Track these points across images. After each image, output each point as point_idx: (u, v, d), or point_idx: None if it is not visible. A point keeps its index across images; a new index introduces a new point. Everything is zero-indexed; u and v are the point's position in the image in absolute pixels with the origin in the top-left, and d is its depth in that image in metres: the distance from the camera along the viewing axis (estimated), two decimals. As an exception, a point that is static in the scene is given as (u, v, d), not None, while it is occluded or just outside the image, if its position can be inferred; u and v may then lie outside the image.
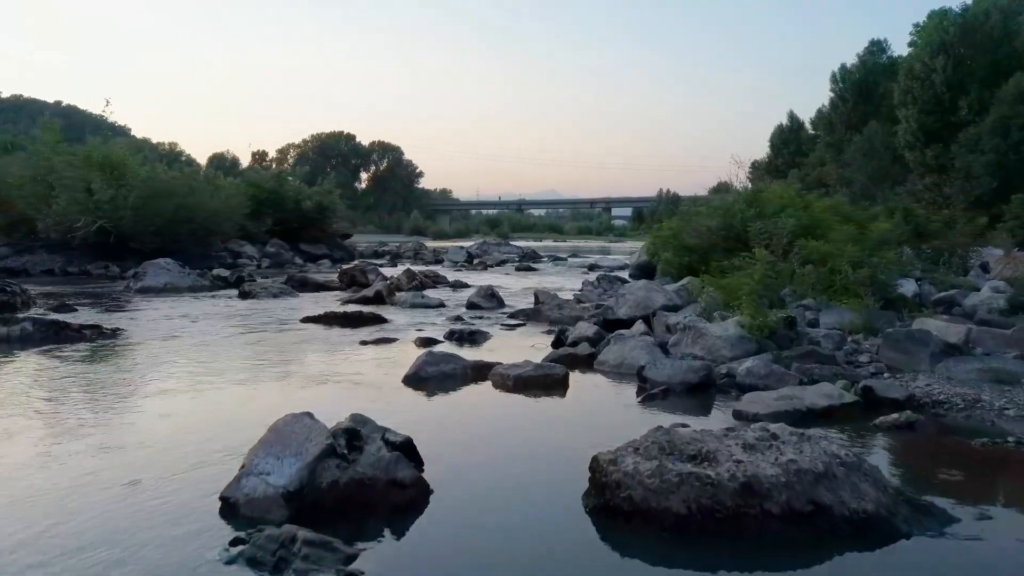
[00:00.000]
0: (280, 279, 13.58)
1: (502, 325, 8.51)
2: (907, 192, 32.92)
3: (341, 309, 9.24)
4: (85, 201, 15.44)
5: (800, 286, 8.07)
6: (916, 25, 48.41)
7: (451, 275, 16.69)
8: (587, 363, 6.16)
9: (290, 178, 31.96)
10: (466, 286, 13.67)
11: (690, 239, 11.82)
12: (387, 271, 17.65)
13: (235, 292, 11.86)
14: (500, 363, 5.68)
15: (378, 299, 10.72)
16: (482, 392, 5.23)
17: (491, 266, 20.38)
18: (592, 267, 19.63)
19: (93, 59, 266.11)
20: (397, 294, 11.14)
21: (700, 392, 5.18)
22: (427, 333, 7.78)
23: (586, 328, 6.96)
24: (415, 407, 4.70)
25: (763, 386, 5.04)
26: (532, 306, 10.30)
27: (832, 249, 8.92)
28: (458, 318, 8.93)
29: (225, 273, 14.74)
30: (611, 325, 8.23)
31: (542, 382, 5.33)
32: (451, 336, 7.44)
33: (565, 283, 15.05)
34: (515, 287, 13.95)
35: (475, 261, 21.61)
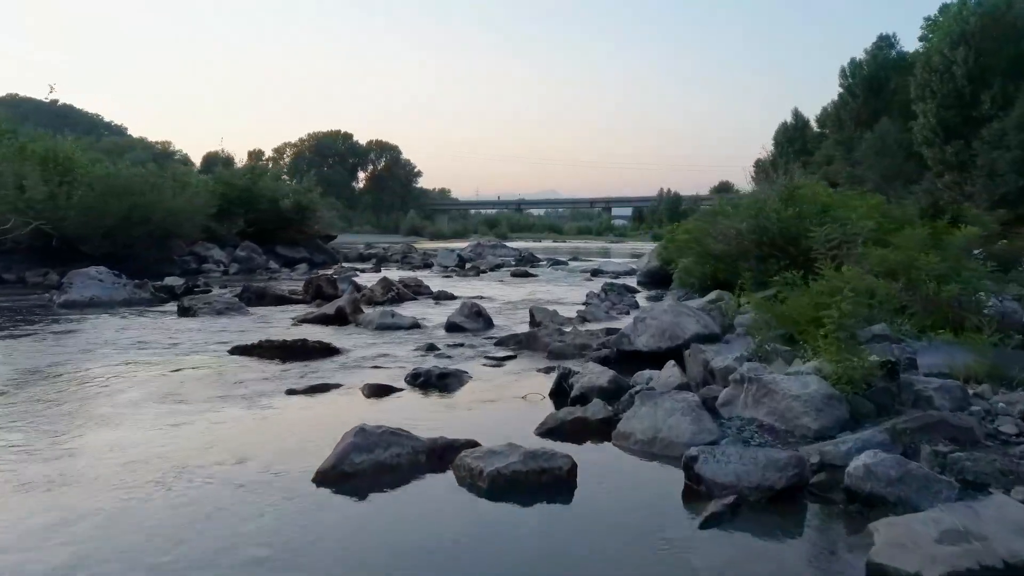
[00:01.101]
0: (236, 290, 11.59)
1: (486, 358, 6.52)
2: (923, 191, 30.99)
3: (283, 335, 7.25)
4: (15, 199, 13.43)
5: (879, 311, 6.08)
6: (927, 19, 46.65)
7: (437, 283, 14.69)
8: (602, 433, 4.17)
9: (284, 175, 30.01)
10: (452, 298, 11.68)
11: (716, 244, 9.83)
12: (368, 278, 15.68)
13: (176, 307, 9.86)
14: (472, 443, 3.70)
15: (340, 318, 8.73)
16: (438, 504, 3.23)
17: (484, 271, 18.38)
18: (595, 273, 17.64)
19: (91, 59, 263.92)
20: (364, 311, 9.15)
21: (788, 503, 3.18)
22: (385, 372, 5.79)
23: (597, 374, 4.96)
24: (302, 561, 2.69)
25: (895, 498, 3.05)
26: (526, 328, 8.31)
27: (905, 258, 6.95)
28: (431, 347, 6.94)
29: (179, 281, 12.74)
30: (628, 359, 6.28)
31: (534, 481, 3.34)
32: (415, 380, 5.44)
33: (566, 293, 13.07)
34: (509, 298, 11.97)
35: (467, 265, 19.60)
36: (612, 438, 4.08)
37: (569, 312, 9.62)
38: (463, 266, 19.13)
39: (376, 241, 50.52)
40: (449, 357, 6.54)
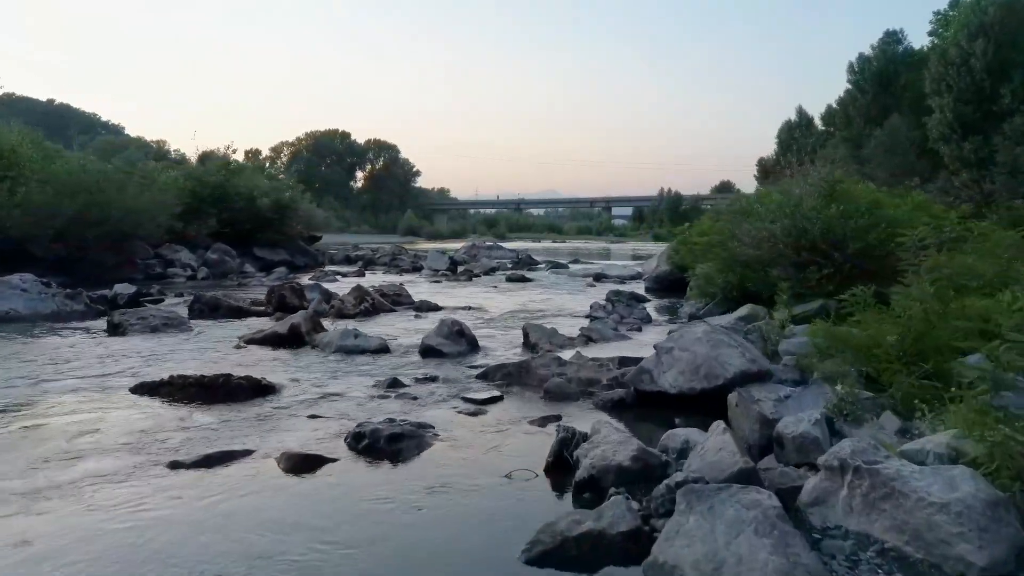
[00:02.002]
0: (186, 300, 10.01)
1: (463, 400, 4.95)
2: (938, 190, 29.43)
3: (203, 369, 5.69)
4: (-59, 198, 11.91)
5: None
6: (937, 13, 45.19)
7: (423, 289, 13.14)
8: (628, 557, 2.61)
9: (281, 174, 28.20)
10: (436, 309, 10.12)
11: (743, 248, 8.27)
12: (348, 283, 14.13)
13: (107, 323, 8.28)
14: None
15: (294, 338, 7.17)
16: None
17: (478, 275, 16.79)
18: (598, 277, 16.05)
19: (91, 59, 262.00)
20: (328, 328, 7.60)
21: None
22: (322, 428, 4.23)
23: (615, 446, 3.38)
24: None
25: None
26: (518, 351, 6.77)
27: (1002, 267, 5.38)
28: (394, 382, 5.36)
29: (129, 289, 11.14)
30: (649, 402, 4.77)
31: None
32: (356, 443, 3.86)
33: (567, 302, 11.49)
34: (501, 309, 10.39)
35: (459, 269, 17.99)
36: (643, 570, 2.51)
37: (570, 328, 8.08)
38: (455, 270, 17.53)
39: (373, 242, 48.79)
40: (415, 398, 4.98)
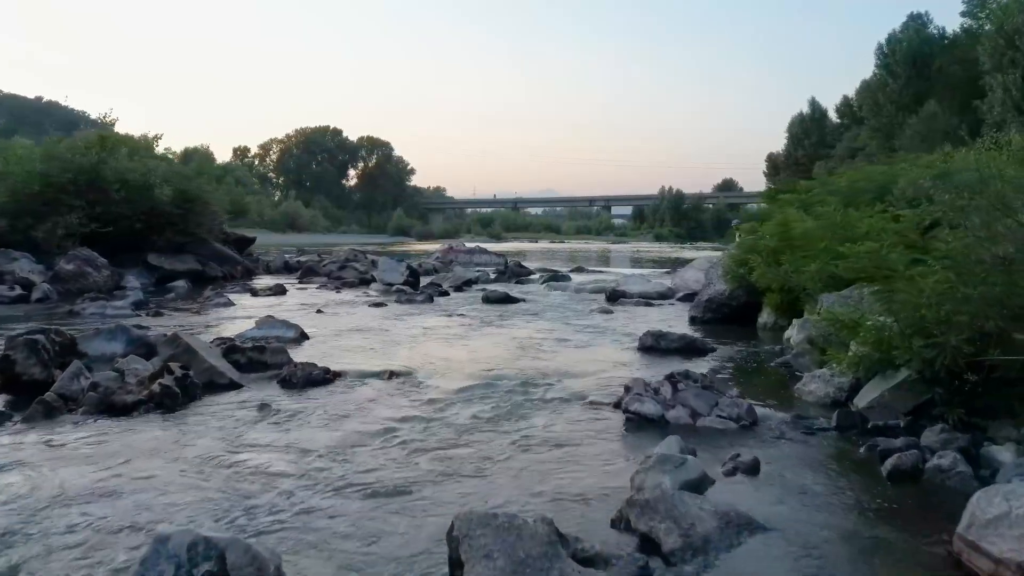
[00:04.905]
0: None
1: None
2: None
3: None
4: None
5: None
6: (971, -8, 40.31)
7: (351, 321, 8.16)
8: None
9: (273, 172, 22.35)
10: (323, 381, 5.15)
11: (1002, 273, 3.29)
12: (260, 303, 9.24)
13: None
14: None
15: None
16: None
17: (446, 292, 11.81)
18: (614, 296, 11.06)
19: (83, 57, 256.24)
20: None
21: None
22: None
23: None
24: None
25: None
26: None
27: None
28: None
29: None
30: None
31: None
32: None
33: (571, 355, 6.48)
34: (451, 378, 5.42)
35: (425, 281, 13.03)
36: None
37: (587, 472, 3.16)
38: (416, 283, 12.56)
39: (359, 242, 43.86)
40: None
